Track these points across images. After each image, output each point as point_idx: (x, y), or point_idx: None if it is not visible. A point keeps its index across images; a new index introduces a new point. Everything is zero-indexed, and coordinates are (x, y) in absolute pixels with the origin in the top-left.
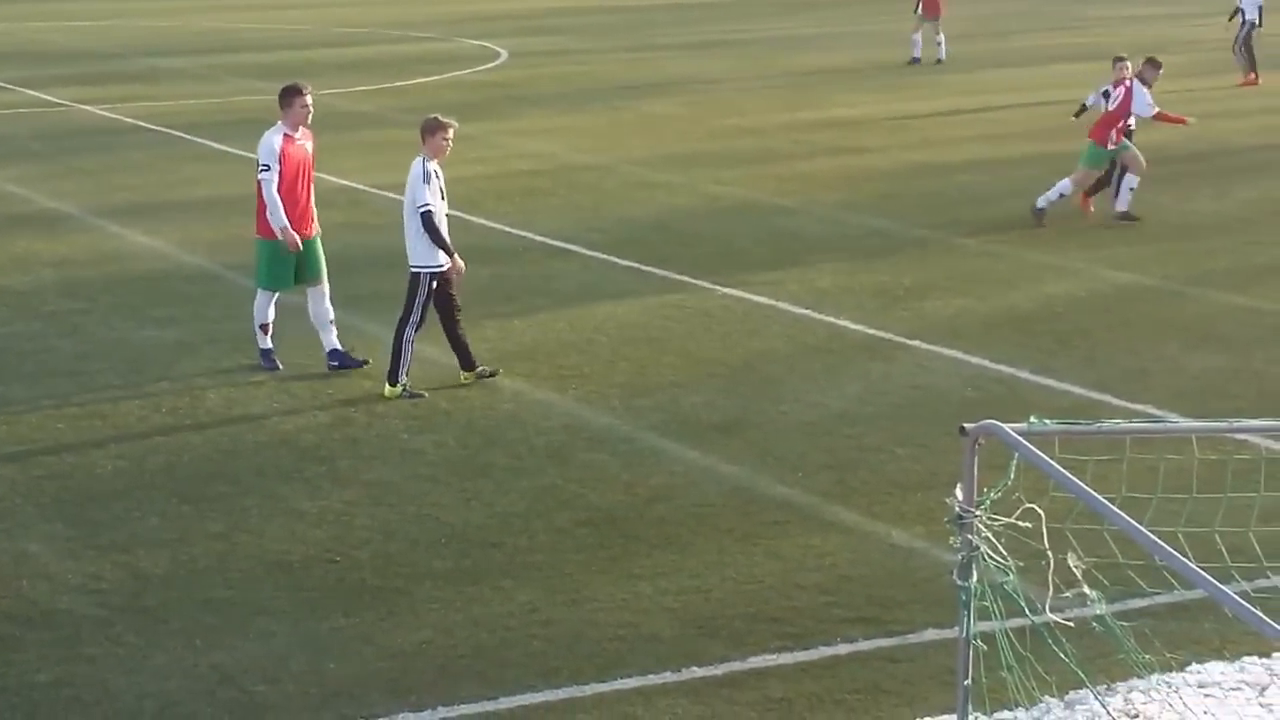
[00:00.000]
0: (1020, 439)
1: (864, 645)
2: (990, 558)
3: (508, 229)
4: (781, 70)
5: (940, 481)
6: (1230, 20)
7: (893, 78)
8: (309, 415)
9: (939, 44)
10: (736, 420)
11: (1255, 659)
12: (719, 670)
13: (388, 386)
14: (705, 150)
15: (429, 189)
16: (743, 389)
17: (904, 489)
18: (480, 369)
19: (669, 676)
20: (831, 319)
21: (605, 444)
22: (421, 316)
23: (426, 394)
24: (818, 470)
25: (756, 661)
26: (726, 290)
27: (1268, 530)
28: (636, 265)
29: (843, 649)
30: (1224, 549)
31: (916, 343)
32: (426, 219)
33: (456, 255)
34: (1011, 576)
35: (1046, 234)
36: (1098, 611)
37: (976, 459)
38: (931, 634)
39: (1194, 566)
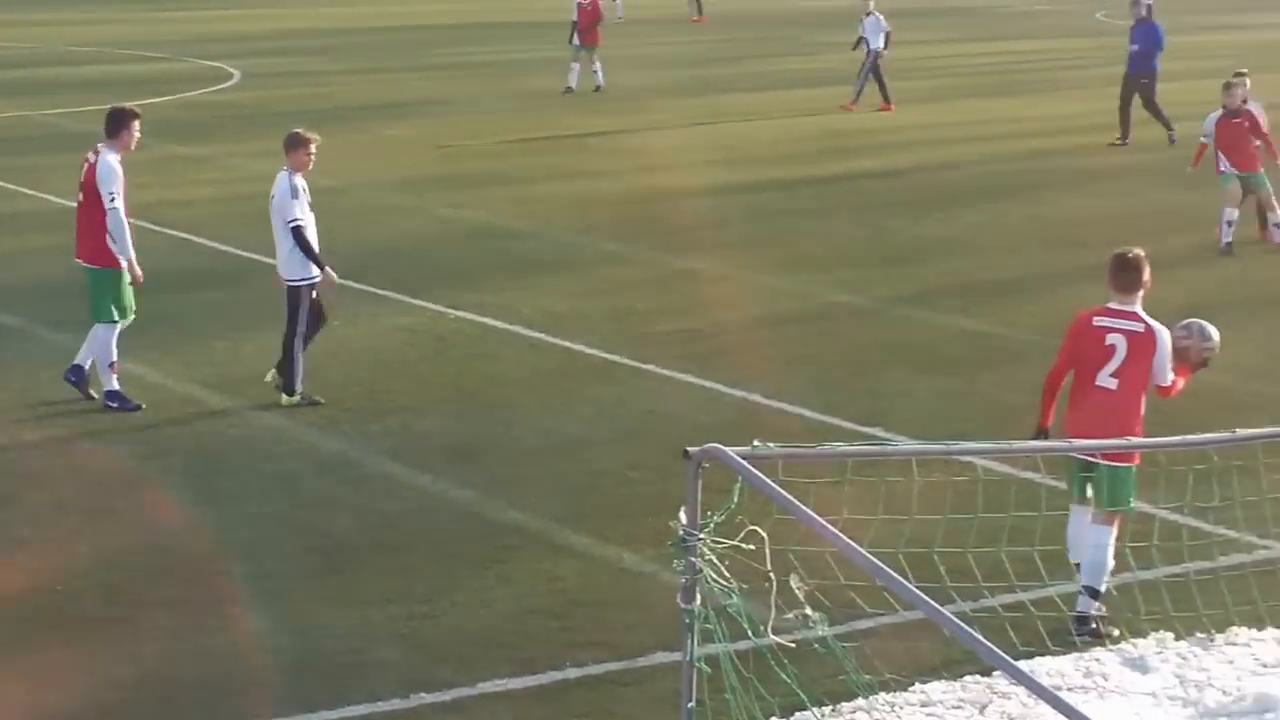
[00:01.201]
0: (743, 462)
1: (593, 669)
2: (714, 580)
3: (238, 251)
4: (516, 93)
5: (671, 505)
6: (855, 49)
7: (627, 101)
8: (31, 442)
9: (595, 72)
10: (469, 445)
11: (976, 677)
12: (447, 696)
13: (284, 396)
14: (440, 173)
15: (298, 203)
16: (476, 413)
17: (636, 513)
18: (302, 395)
19: (397, 704)
20: (566, 343)
21: (335, 470)
22: (308, 327)
23: (323, 400)
24: (550, 495)
25: (486, 687)
26: (460, 314)
27: (985, 551)
28: (369, 289)
29: (572, 673)
30: (943, 570)
31: (650, 367)
32: (298, 234)
33: (329, 268)
34: (735, 599)
35: (778, 258)
36: (820, 633)
37: (701, 483)
38: (660, 657)
39: (913, 588)
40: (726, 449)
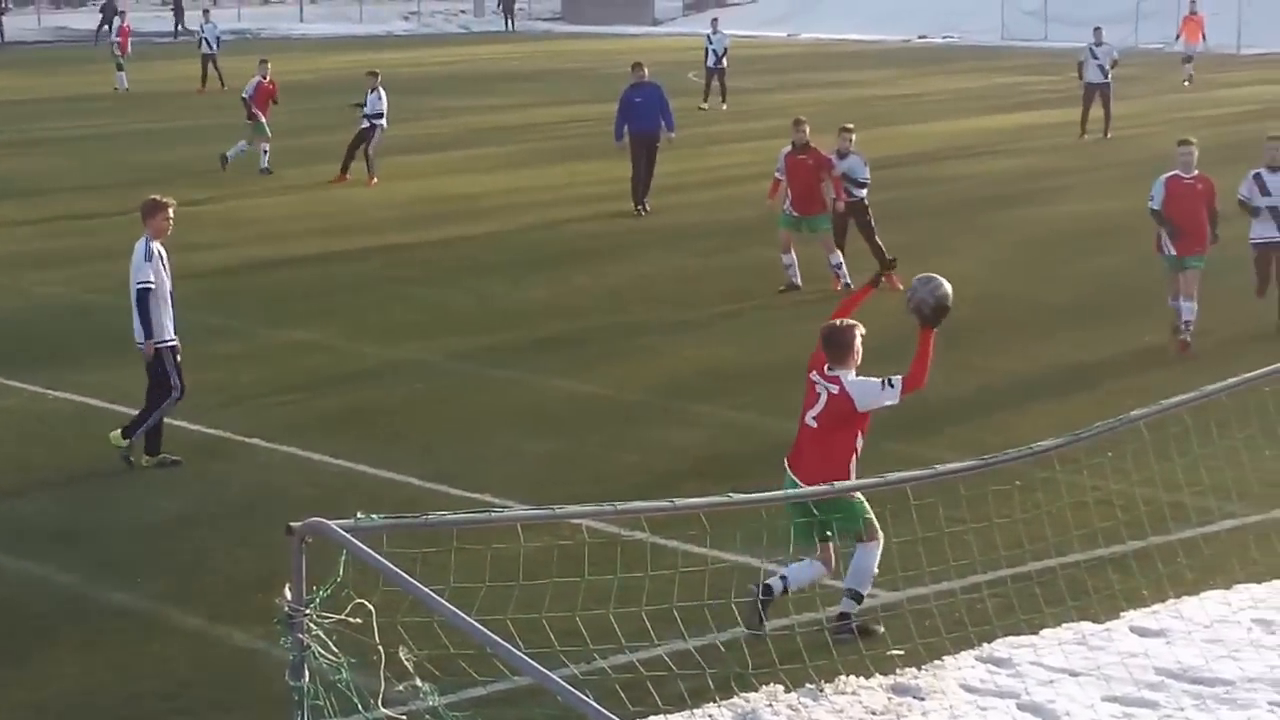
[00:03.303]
0: (348, 535)
1: None
2: (322, 655)
3: None
4: (115, 166)
5: (281, 580)
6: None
7: (226, 172)
8: None
9: (240, 149)
10: (71, 528)
11: None
12: None
13: (145, 457)
14: (34, 250)
15: (150, 267)
16: (78, 495)
17: (245, 589)
18: (163, 455)
19: None
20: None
21: None
22: (181, 387)
23: (182, 460)
24: (157, 575)
25: None
26: (59, 394)
27: (594, 613)
28: None
29: None
30: (553, 634)
31: (256, 440)
32: (140, 295)
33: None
34: (344, 673)
35: (381, 326)
36: (431, 703)
37: (306, 557)
38: None
39: (520, 654)
40: (329, 522)
